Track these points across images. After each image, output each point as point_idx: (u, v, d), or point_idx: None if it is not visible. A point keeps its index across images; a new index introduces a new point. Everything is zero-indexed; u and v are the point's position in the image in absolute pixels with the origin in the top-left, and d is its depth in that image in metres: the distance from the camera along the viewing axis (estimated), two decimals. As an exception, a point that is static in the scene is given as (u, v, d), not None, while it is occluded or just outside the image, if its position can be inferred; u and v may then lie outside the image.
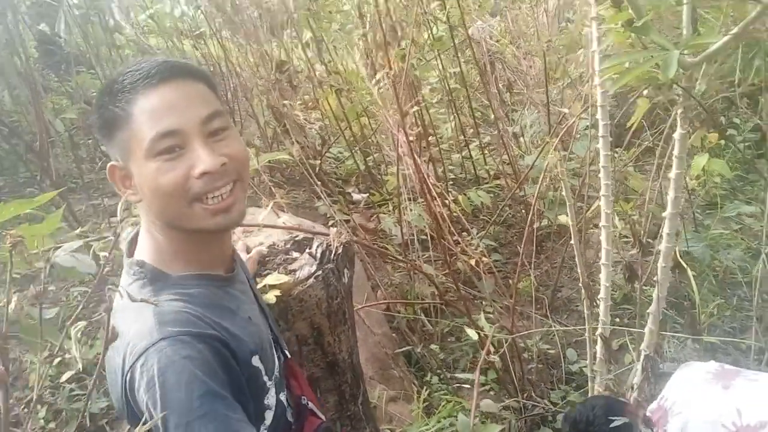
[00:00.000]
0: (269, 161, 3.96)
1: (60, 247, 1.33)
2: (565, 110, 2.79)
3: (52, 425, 2.09)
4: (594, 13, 2.07)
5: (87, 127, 1.02)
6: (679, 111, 1.68)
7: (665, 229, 1.90)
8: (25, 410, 2.13)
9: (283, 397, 1.26)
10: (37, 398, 2.15)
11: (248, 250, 1.74)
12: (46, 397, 2.16)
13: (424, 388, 2.65)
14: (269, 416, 1.20)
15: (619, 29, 1.54)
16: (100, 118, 1.10)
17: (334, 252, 1.73)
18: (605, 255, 2.31)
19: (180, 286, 1.08)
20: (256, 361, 1.14)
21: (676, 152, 1.78)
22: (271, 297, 1.56)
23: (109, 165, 1.11)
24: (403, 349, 2.96)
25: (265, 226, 1.80)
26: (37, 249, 1.36)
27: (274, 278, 1.61)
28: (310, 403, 1.36)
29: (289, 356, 1.39)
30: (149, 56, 1.22)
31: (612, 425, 1.71)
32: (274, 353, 1.27)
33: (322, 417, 1.38)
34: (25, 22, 4.56)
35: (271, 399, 1.20)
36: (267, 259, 1.73)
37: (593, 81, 2.25)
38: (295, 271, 1.68)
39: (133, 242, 1.18)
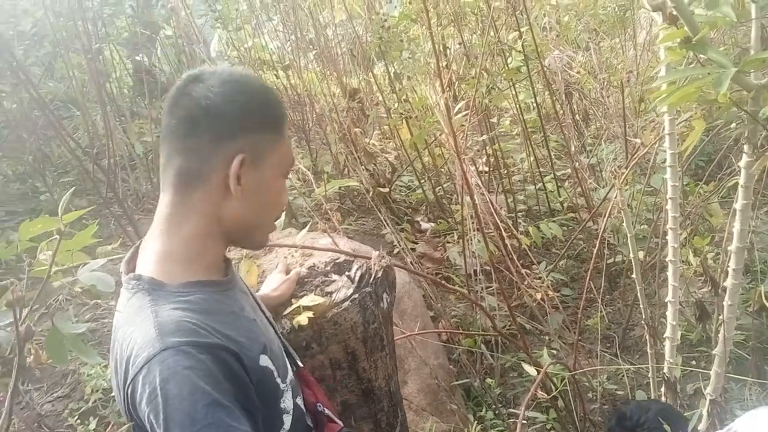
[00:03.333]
0: (339, 188, 4.00)
1: (87, 264, 1.34)
2: (637, 141, 2.66)
3: (102, 437, 2.14)
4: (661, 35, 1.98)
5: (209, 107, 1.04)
6: (743, 136, 1.57)
7: (731, 265, 1.77)
8: (78, 421, 2.19)
9: (300, 401, 1.23)
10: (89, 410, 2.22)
11: (287, 271, 1.73)
12: (99, 409, 2.21)
13: (477, 422, 2.54)
14: (288, 420, 1.18)
15: (674, 47, 1.46)
16: (257, 112, 1.14)
17: (373, 276, 1.70)
18: (672, 292, 2.17)
19: (179, 294, 1.07)
20: (264, 360, 1.12)
21: (742, 182, 1.66)
22: (303, 319, 1.54)
23: (242, 156, 1.11)
24: (460, 381, 2.88)
25: (303, 247, 1.79)
26: (68, 264, 1.39)
27: (309, 299, 1.59)
28: (326, 410, 1.32)
29: (301, 365, 1.36)
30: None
31: None
32: (286, 359, 1.25)
33: (340, 423, 1.35)
34: (118, 53, 4.81)
35: (287, 402, 1.18)
36: (306, 280, 1.71)
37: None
38: (331, 293, 1.65)
39: (131, 261, 1.18)
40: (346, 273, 1.71)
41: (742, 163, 1.63)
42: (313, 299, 1.60)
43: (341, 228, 2.79)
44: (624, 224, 3.26)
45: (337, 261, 1.77)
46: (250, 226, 1.20)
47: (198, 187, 1.12)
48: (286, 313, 1.58)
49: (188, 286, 1.10)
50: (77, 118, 4.68)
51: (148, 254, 1.14)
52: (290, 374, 1.23)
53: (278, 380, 1.16)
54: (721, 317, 2.79)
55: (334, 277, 1.72)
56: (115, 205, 3.14)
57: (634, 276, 2.22)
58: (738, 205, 1.69)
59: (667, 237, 2.97)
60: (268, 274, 1.75)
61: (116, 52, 4.71)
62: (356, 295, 1.64)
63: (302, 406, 1.25)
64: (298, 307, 1.57)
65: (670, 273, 2.17)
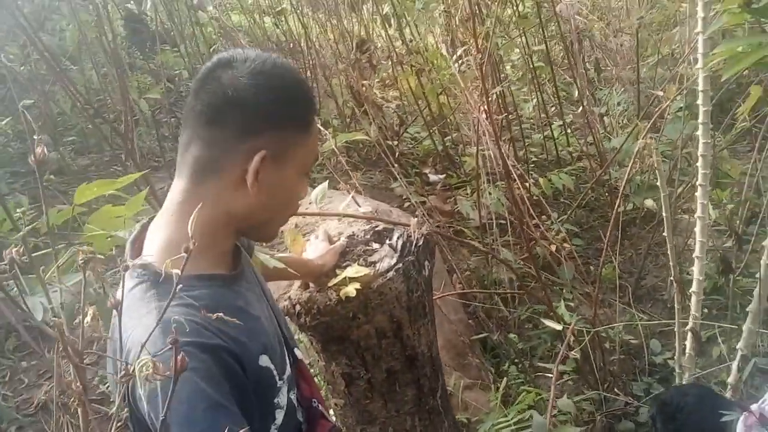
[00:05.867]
0: (346, 141, 3.95)
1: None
2: (660, 93, 2.63)
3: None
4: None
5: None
6: None
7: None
8: (109, 388, 2.19)
9: (293, 396, 1.23)
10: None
11: (330, 240, 1.71)
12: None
13: (502, 378, 2.58)
14: (280, 416, 1.17)
15: (734, 10, 1.42)
16: (286, 109, 1.10)
17: (414, 244, 1.69)
18: (699, 247, 2.18)
19: (184, 289, 1.04)
20: (264, 361, 1.11)
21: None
22: (351, 290, 1.53)
23: (264, 153, 1.06)
24: (480, 336, 2.91)
25: (345, 215, 1.77)
26: (119, 231, 1.36)
27: (354, 270, 1.58)
28: (320, 406, 1.32)
29: (300, 358, 1.34)
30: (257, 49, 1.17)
31: (723, 419, 1.61)
32: (285, 353, 1.23)
33: (332, 420, 1.36)
34: (113, 1, 4.65)
35: (282, 398, 1.17)
36: (347, 249, 1.70)
37: (692, 62, 2.12)
38: (375, 263, 1.64)
39: (136, 240, 1.15)
40: (388, 241, 1.70)
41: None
42: (358, 270, 1.58)
43: (356, 183, 2.76)
44: (643, 174, 3.27)
45: (377, 229, 1.76)
46: (262, 222, 1.17)
47: (213, 178, 1.09)
48: (331, 284, 1.57)
49: (194, 280, 1.07)
50: (71, 72, 4.56)
51: (156, 241, 1.11)
52: (288, 369, 1.21)
53: (276, 378, 1.15)
54: (740, 269, 2.84)
55: (375, 246, 1.71)
56: (128, 162, 3.07)
57: (665, 233, 2.22)
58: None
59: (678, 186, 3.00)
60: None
61: (111, 1, 4.55)
62: (400, 265, 1.63)
63: (295, 401, 1.24)
64: (344, 278, 1.56)
65: (698, 229, 2.17)
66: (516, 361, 2.79)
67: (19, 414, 2.09)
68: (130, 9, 5.36)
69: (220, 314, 1.04)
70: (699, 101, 2.04)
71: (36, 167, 0.71)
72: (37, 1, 3.89)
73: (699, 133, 2.08)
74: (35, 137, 0.70)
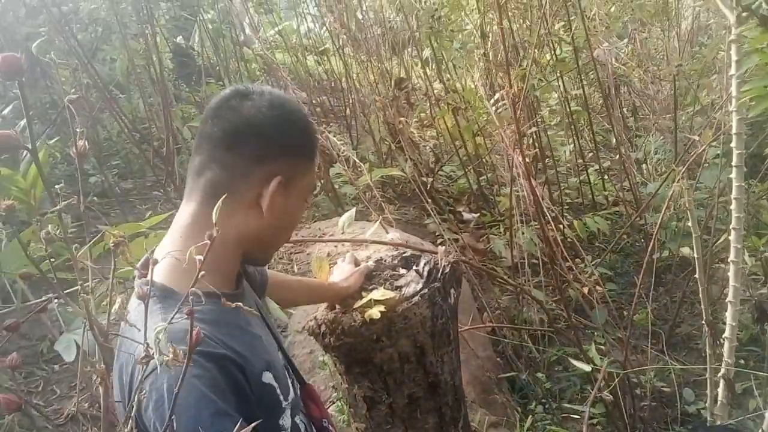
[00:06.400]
0: (381, 176, 4.00)
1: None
2: (695, 137, 2.62)
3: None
4: (734, 36, 1.94)
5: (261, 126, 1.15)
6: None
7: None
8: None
9: (298, 420, 1.23)
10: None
11: (356, 263, 1.74)
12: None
13: (528, 416, 2.55)
14: None
15: (765, 49, 1.43)
16: (299, 138, 1.19)
17: (441, 271, 1.70)
18: (733, 292, 2.15)
19: (188, 303, 1.07)
20: (267, 377, 1.12)
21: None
22: (375, 312, 1.55)
23: (280, 178, 1.14)
24: (508, 374, 2.88)
25: (373, 242, 1.80)
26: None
27: (379, 293, 1.60)
28: (330, 426, 1.33)
29: (307, 382, 1.36)
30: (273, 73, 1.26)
31: None
32: (288, 377, 1.24)
33: None
34: (163, 35, 4.84)
35: (286, 420, 1.18)
36: (374, 273, 1.72)
37: (727, 107, 2.12)
38: (401, 287, 1.66)
39: (144, 266, 1.17)
40: (415, 267, 1.72)
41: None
42: (384, 293, 1.60)
43: (389, 217, 2.79)
44: (680, 221, 3.24)
45: (404, 255, 1.78)
46: (266, 245, 1.23)
47: (226, 201, 1.10)
48: (357, 306, 1.59)
49: (197, 296, 1.10)
50: (119, 100, 4.73)
51: (163, 261, 1.13)
52: (292, 393, 1.22)
53: (280, 397, 1.16)
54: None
55: (402, 271, 1.73)
56: (169, 187, 3.15)
57: (696, 275, 2.19)
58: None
59: (715, 235, 2.96)
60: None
61: (161, 35, 4.73)
62: (426, 290, 1.64)
63: (300, 425, 1.24)
64: (370, 300, 1.58)
65: (731, 273, 2.14)
66: (543, 401, 2.75)
67: (49, 424, 2.13)
68: (178, 43, 5.55)
69: (224, 328, 1.07)
70: (733, 144, 2.04)
71: (77, 159, 0.75)
72: (90, 29, 4.07)
73: (733, 176, 2.06)
74: (77, 130, 0.75)
